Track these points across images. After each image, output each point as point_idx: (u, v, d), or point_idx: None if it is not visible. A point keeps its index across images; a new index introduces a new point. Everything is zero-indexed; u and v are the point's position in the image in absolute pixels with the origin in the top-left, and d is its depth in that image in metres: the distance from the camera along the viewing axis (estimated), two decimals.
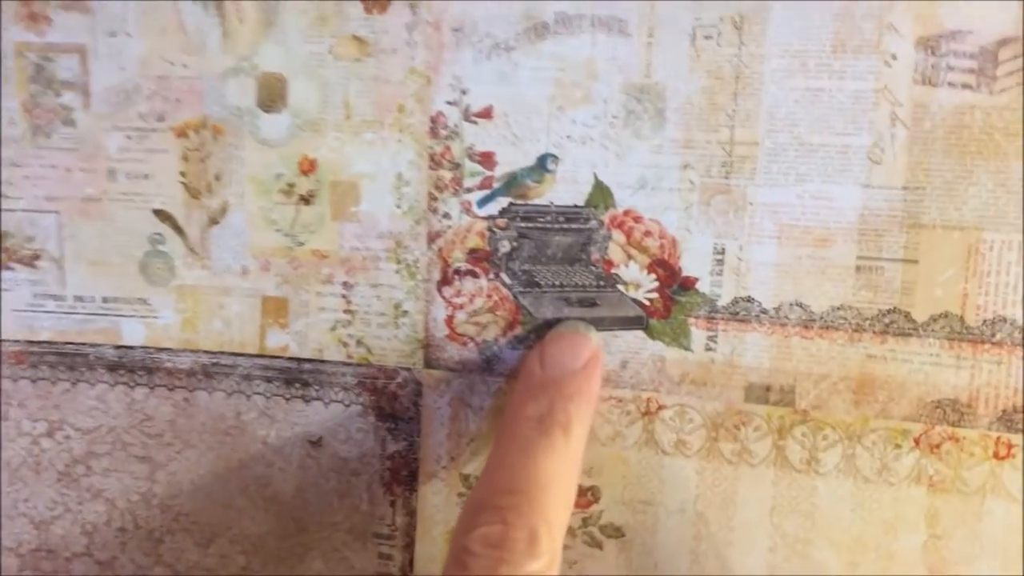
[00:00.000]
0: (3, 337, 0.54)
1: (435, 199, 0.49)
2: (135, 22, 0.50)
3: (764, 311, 0.47)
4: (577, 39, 0.46)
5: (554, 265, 0.48)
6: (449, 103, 0.48)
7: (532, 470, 0.41)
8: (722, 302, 0.47)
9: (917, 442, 0.46)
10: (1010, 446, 0.45)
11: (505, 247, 0.49)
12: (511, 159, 0.48)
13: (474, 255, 0.49)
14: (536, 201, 0.48)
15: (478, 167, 0.48)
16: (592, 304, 0.48)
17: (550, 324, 0.49)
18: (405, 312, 0.50)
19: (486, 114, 0.48)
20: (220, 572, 0.55)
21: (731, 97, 0.45)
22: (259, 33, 0.49)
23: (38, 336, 0.54)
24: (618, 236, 0.48)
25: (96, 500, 0.55)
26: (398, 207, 0.49)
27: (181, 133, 0.51)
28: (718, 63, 0.45)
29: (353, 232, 0.50)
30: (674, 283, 0.47)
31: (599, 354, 0.47)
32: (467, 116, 0.48)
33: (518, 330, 0.49)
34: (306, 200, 0.50)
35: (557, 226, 0.48)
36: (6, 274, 0.53)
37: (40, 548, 0.56)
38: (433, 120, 0.48)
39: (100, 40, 0.51)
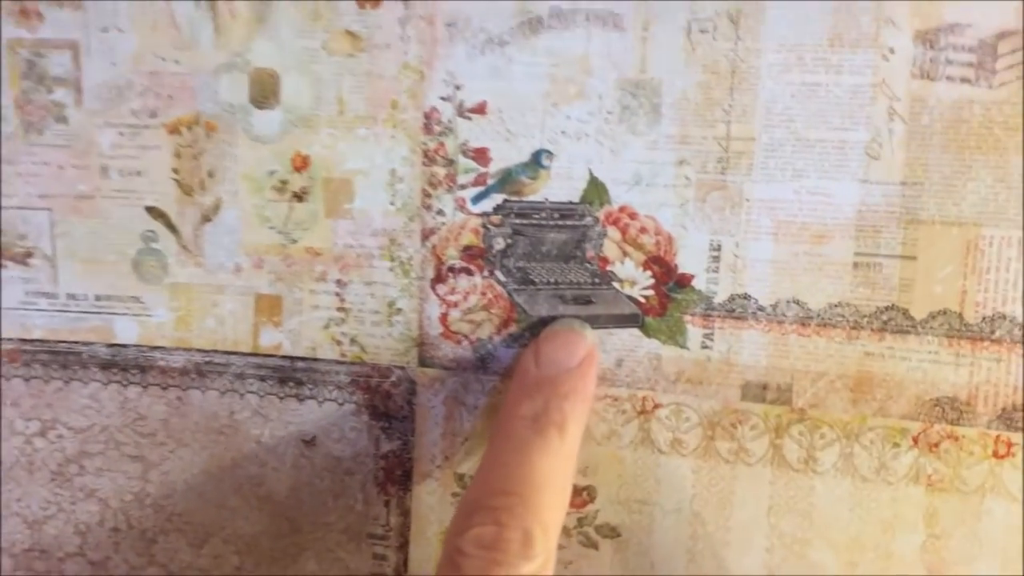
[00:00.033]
0: None
1: (429, 196, 0.49)
2: (127, 18, 0.50)
3: (761, 308, 0.46)
4: (571, 34, 0.46)
5: (549, 262, 0.48)
6: (443, 99, 0.48)
7: (527, 470, 0.41)
8: (718, 299, 0.47)
9: (916, 441, 0.46)
10: (1010, 445, 0.44)
11: (499, 244, 0.48)
12: (505, 155, 0.48)
13: (468, 252, 0.49)
14: (531, 198, 0.48)
15: (472, 163, 0.48)
16: (587, 302, 0.48)
17: (545, 322, 0.48)
18: (399, 310, 0.50)
19: (480, 110, 0.47)
20: (214, 572, 0.54)
21: (727, 92, 0.45)
22: (251, 28, 0.49)
23: (31, 334, 0.54)
24: (613, 233, 0.47)
25: (89, 500, 0.55)
26: (392, 204, 0.49)
27: (174, 130, 0.51)
28: (714, 58, 0.45)
29: (347, 229, 0.50)
30: (670, 280, 0.47)
31: (594, 352, 0.46)
32: (461, 112, 0.48)
33: (513, 328, 0.49)
34: (299, 197, 0.50)
35: (552, 223, 0.48)
36: None
37: (33, 548, 0.56)
38: (427, 116, 0.48)
39: (92, 36, 0.50)
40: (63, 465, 0.55)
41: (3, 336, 0.54)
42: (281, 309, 0.51)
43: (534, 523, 0.39)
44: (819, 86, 0.44)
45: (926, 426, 0.45)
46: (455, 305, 0.49)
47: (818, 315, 0.46)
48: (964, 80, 0.43)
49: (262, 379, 0.52)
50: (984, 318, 0.44)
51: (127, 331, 0.53)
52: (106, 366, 0.54)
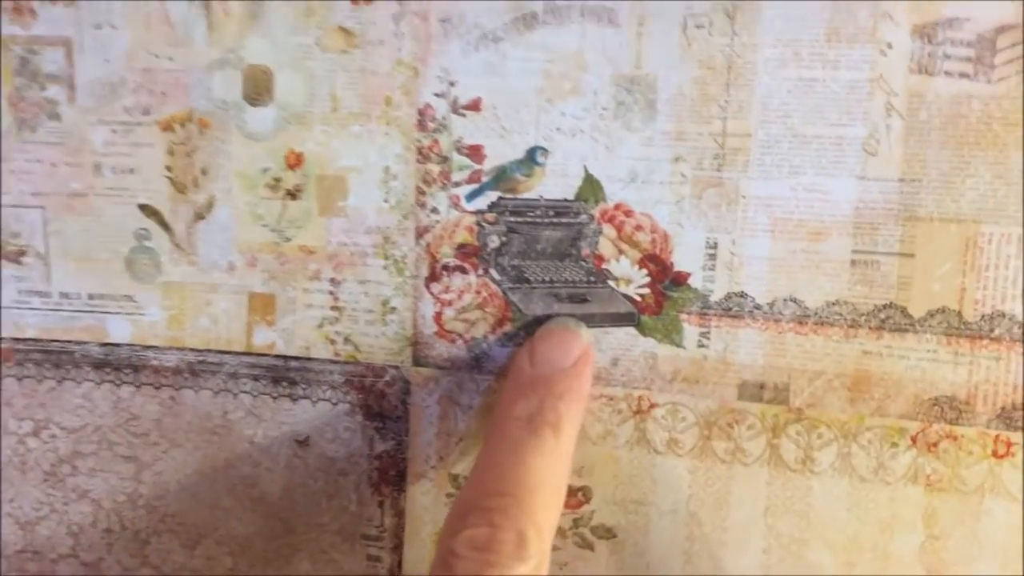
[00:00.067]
0: None
1: (423, 193, 0.48)
2: (120, 14, 0.50)
3: (757, 307, 0.46)
4: (566, 29, 0.46)
5: (544, 260, 0.48)
6: (437, 95, 0.47)
7: (521, 471, 0.41)
8: (715, 298, 0.46)
9: (914, 440, 0.45)
10: (1009, 444, 0.44)
11: (494, 242, 0.48)
12: (500, 152, 0.47)
13: (463, 250, 0.48)
14: (525, 195, 0.47)
15: (466, 160, 0.47)
16: (582, 300, 0.47)
17: (540, 321, 0.48)
18: (393, 309, 0.50)
19: (474, 106, 0.47)
20: (207, 574, 0.54)
21: (723, 88, 0.45)
22: (245, 25, 0.49)
23: (24, 333, 0.54)
24: (609, 230, 0.47)
25: (82, 500, 0.55)
26: (386, 202, 0.49)
27: (167, 127, 0.50)
28: (710, 53, 0.45)
29: (340, 227, 0.49)
30: (666, 278, 0.47)
31: (590, 351, 0.46)
32: (455, 108, 0.47)
33: (508, 327, 0.49)
34: (293, 195, 0.49)
35: (547, 220, 0.47)
36: None
37: (25, 549, 0.56)
38: (421, 113, 0.48)
39: (85, 33, 0.50)
40: (56, 465, 0.55)
41: None
42: (274, 308, 0.51)
43: (528, 524, 0.39)
44: (816, 81, 0.44)
45: (925, 425, 0.45)
46: (449, 304, 0.49)
47: (815, 313, 0.45)
48: (963, 75, 0.42)
49: (255, 379, 0.52)
50: (983, 316, 0.44)
51: (120, 330, 0.53)
52: (99, 365, 0.53)
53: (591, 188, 0.47)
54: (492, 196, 0.48)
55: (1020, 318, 0.43)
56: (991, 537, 0.45)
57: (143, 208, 0.51)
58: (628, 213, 0.46)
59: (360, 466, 0.51)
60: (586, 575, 0.50)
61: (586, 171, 0.47)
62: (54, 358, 0.54)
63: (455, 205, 0.48)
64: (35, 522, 0.55)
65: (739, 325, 0.46)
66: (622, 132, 0.46)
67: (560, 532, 0.49)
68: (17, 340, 0.54)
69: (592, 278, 0.47)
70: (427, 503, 0.51)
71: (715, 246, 0.46)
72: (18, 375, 0.54)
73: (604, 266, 0.47)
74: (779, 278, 0.45)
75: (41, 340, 0.53)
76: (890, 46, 0.43)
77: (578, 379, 0.44)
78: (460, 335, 0.49)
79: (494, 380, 0.49)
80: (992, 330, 0.44)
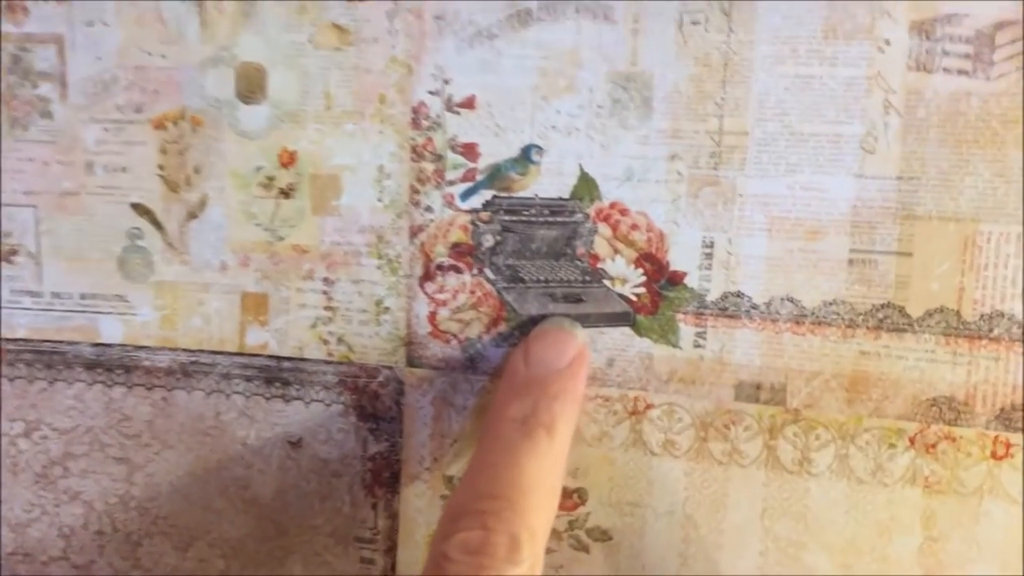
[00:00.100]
0: None
1: (417, 192, 0.48)
2: (113, 11, 0.50)
3: (754, 306, 0.45)
4: (561, 26, 0.45)
5: (539, 260, 0.47)
6: (431, 93, 0.47)
7: (514, 473, 0.41)
8: (711, 297, 0.46)
9: (912, 442, 0.45)
10: (1008, 445, 0.44)
11: (489, 241, 0.48)
12: (494, 150, 0.47)
13: (457, 249, 0.48)
14: (520, 194, 0.47)
15: (461, 159, 0.47)
16: (578, 300, 0.47)
17: (535, 321, 0.48)
18: (387, 309, 0.49)
19: (469, 104, 0.47)
20: None
21: (719, 85, 0.44)
22: (238, 22, 0.48)
23: (15, 333, 0.53)
24: (604, 230, 0.47)
25: (73, 502, 0.54)
26: (379, 200, 0.48)
27: (159, 125, 0.50)
28: (706, 50, 0.44)
29: (334, 226, 0.49)
30: (662, 278, 0.46)
31: (585, 352, 0.46)
32: (449, 106, 0.47)
33: (502, 327, 0.48)
34: (286, 193, 0.49)
35: (542, 219, 0.47)
36: None
37: (16, 551, 0.55)
38: (415, 110, 0.47)
39: (77, 30, 0.50)
40: (47, 467, 0.54)
41: None
42: (267, 308, 0.51)
43: (521, 528, 0.38)
44: (813, 79, 0.43)
45: (923, 427, 0.45)
46: (444, 304, 0.49)
47: (812, 313, 0.45)
48: (961, 72, 0.42)
49: (248, 379, 0.51)
50: (982, 316, 0.43)
51: (112, 330, 0.52)
52: (91, 366, 0.53)
53: (586, 186, 0.46)
54: (487, 195, 0.47)
55: (1019, 318, 0.43)
56: (990, 539, 0.44)
57: (135, 207, 0.51)
58: (624, 212, 0.46)
59: (353, 467, 0.51)
60: None
61: (581, 169, 0.46)
62: (45, 358, 0.53)
63: (449, 204, 0.48)
64: (26, 524, 0.55)
65: (736, 325, 0.46)
66: (618, 130, 0.46)
67: (555, 534, 0.49)
68: (8, 340, 0.53)
69: (587, 278, 0.47)
70: (421, 505, 0.51)
71: (711, 245, 0.45)
72: (9, 376, 0.54)
73: (599, 265, 0.47)
74: (776, 277, 0.45)
75: (32, 340, 0.53)
76: (888, 43, 0.42)
77: (573, 380, 0.44)
78: (454, 335, 0.49)
79: (489, 381, 0.49)
80: (991, 330, 0.43)
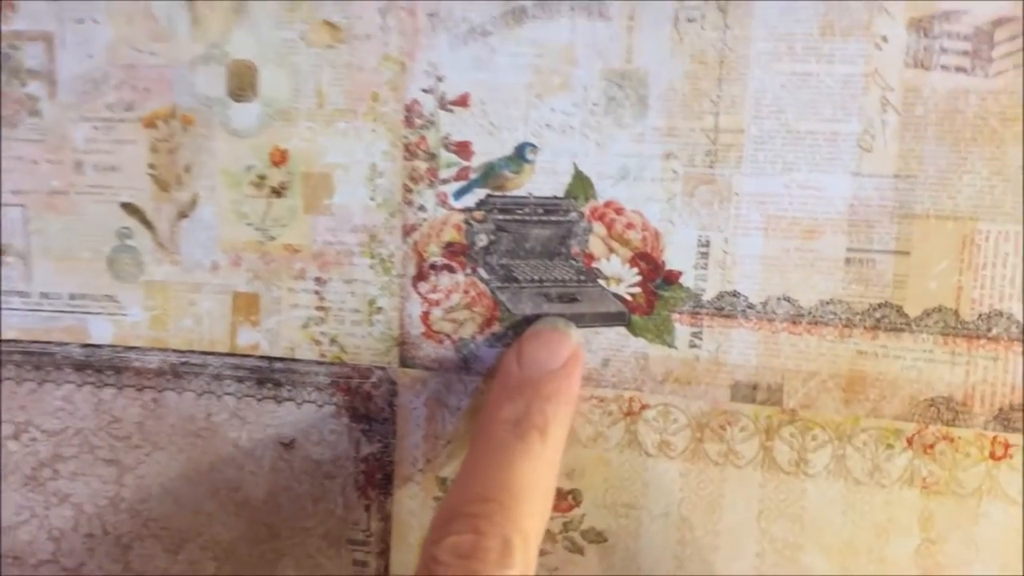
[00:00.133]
0: None
1: (410, 191, 0.47)
2: (103, 9, 0.49)
3: (750, 306, 0.45)
4: (556, 23, 0.45)
5: (533, 259, 0.47)
6: (424, 91, 0.47)
7: (507, 476, 0.40)
8: (707, 297, 0.46)
9: (910, 442, 0.45)
10: (1007, 446, 0.43)
11: (482, 240, 0.47)
12: (488, 149, 0.47)
13: (450, 249, 0.48)
14: (514, 192, 0.47)
15: (454, 157, 0.47)
16: (572, 300, 0.47)
17: (529, 321, 0.47)
18: (379, 309, 0.49)
19: (462, 102, 0.46)
20: None
21: (715, 82, 0.44)
22: (229, 19, 0.48)
23: (3, 334, 0.53)
24: (599, 229, 0.46)
25: (63, 505, 0.54)
26: (372, 199, 0.48)
27: (150, 123, 0.50)
28: (702, 47, 0.44)
29: (326, 226, 0.49)
30: (657, 277, 0.46)
31: (579, 352, 0.45)
32: (443, 104, 0.47)
33: (496, 327, 0.48)
34: (278, 192, 0.49)
35: (536, 218, 0.47)
36: None
37: (6, 555, 0.55)
38: (408, 108, 0.47)
39: (67, 27, 0.50)
40: (37, 469, 0.54)
41: None
42: (259, 308, 0.50)
43: (513, 531, 0.38)
44: (810, 76, 0.43)
45: (921, 427, 0.44)
46: (437, 304, 0.48)
47: (809, 313, 0.45)
48: (959, 69, 0.42)
49: (239, 380, 0.51)
50: (980, 315, 0.43)
51: (101, 331, 0.52)
52: (80, 367, 0.52)
53: (581, 185, 0.46)
54: (480, 194, 0.47)
55: (1018, 317, 0.43)
56: (989, 541, 0.44)
57: (125, 206, 0.50)
58: (619, 211, 0.46)
59: (346, 469, 0.51)
60: None
61: (576, 168, 0.46)
62: (34, 359, 0.53)
63: (443, 203, 0.47)
64: (15, 527, 0.55)
65: (732, 325, 0.45)
66: (613, 128, 0.45)
67: (550, 536, 0.49)
68: None
69: (582, 277, 0.47)
70: (414, 507, 0.50)
71: (707, 244, 0.45)
72: None
73: (594, 265, 0.47)
74: (772, 277, 0.45)
75: (21, 341, 0.53)
76: (885, 40, 0.42)
77: (567, 381, 0.44)
78: (448, 335, 0.48)
79: (482, 381, 0.49)
80: (989, 329, 0.43)
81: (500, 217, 0.47)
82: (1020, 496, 0.44)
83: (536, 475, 0.41)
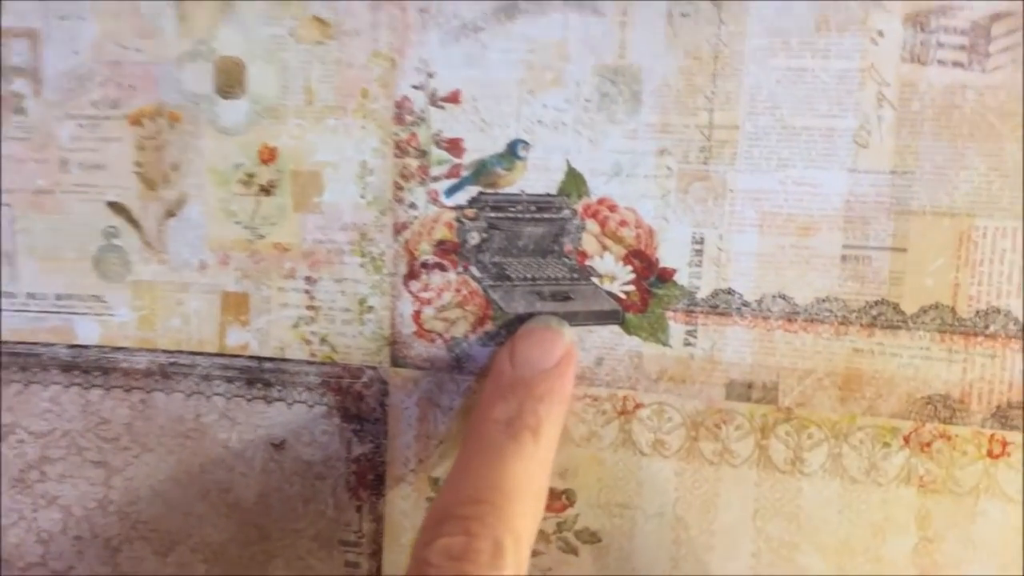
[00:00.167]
0: None
1: (401, 188, 0.47)
2: (88, 5, 0.49)
3: (745, 304, 0.45)
4: (548, 19, 0.45)
5: (526, 257, 0.47)
6: (415, 87, 0.46)
7: (499, 477, 0.40)
8: (701, 295, 0.45)
9: (907, 440, 0.44)
10: (1004, 444, 0.43)
11: (474, 238, 0.47)
12: (480, 146, 0.46)
13: (442, 247, 0.47)
14: (506, 190, 0.46)
15: (445, 154, 0.46)
16: (565, 298, 0.47)
17: (522, 319, 0.47)
18: (370, 308, 0.48)
19: (453, 98, 0.46)
20: None
21: (710, 78, 0.44)
22: (216, 15, 0.47)
23: None
24: (592, 226, 0.46)
25: (51, 507, 0.53)
26: (362, 197, 0.47)
27: (136, 121, 0.49)
28: (696, 42, 0.44)
29: (316, 224, 0.48)
30: (651, 275, 0.46)
31: (572, 351, 0.45)
32: (434, 101, 0.46)
33: (488, 326, 0.48)
34: (266, 191, 0.48)
35: (528, 216, 0.46)
36: None
37: None
38: (398, 105, 0.47)
39: (52, 24, 0.49)
40: (24, 471, 0.53)
41: None
42: (248, 308, 0.50)
43: (505, 533, 0.38)
44: (805, 71, 0.43)
45: (918, 425, 0.44)
46: (428, 302, 0.48)
47: (805, 310, 0.44)
48: (956, 64, 0.42)
49: (229, 380, 0.50)
50: (978, 312, 0.43)
51: (88, 331, 0.51)
52: (67, 368, 0.52)
53: (574, 182, 0.46)
54: (472, 191, 0.47)
55: (1016, 314, 0.43)
56: (986, 539, 0.44)
57: (112, 205, 0.50)
58: (612, 208, 0.46)
59: (337, 470, 0.50)
60: None
61: (569, 165, 0.46)
62: (20, 360, 0.52)
63: (434, 201, 0.47)
64: (3, 530, 0.54)
65: (726, 323, 0.45)
66: (606, 124, 0.45)
67: (544, 536, 0.48)
68: None
69: (575, 275, 0.46)
70: (406, 507, 0.50)
71: (702, 241, 0.45)
72: None
73: (587, 263, 0.46)
74: (767, 274, 0.44)
75: (7, 342, 0.52)
76: (882, 34, 0.42)
77: (560, 380, 0.43)
78: (440, 334, 0.48)
79: (474, 381, 0.48)
80: (987, 327, 0.43)
81: (492, 215, 0.47)
82: (1018, 494, 0.43)
83: (529, 475, 0.40)
